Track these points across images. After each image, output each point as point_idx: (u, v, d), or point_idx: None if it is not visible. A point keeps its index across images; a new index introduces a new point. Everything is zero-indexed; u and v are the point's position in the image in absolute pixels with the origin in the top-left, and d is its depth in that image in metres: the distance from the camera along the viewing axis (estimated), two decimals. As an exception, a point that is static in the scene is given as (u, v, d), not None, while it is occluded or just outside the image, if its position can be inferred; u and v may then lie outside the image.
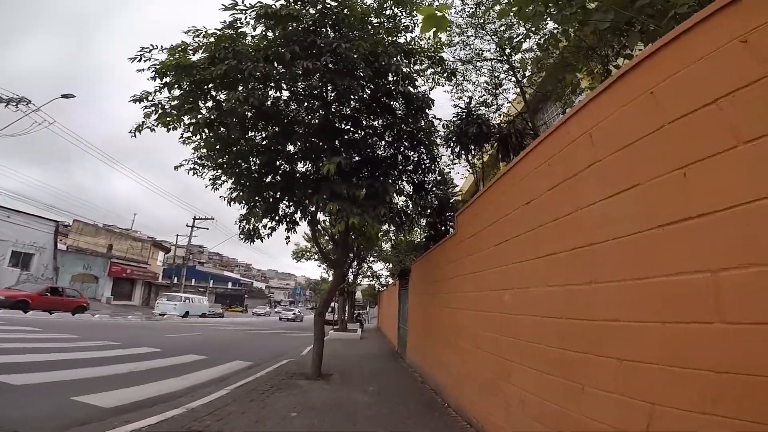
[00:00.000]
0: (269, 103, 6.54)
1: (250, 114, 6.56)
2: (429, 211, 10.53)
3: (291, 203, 7.37)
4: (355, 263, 26.02)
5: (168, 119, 6.13)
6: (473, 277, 4.52)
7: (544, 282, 2.73)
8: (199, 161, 7.42)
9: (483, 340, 3.92)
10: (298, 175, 7.36)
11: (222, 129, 6.53)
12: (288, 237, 8.15)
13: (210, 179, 7.55)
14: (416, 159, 8.24)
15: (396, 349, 12.85)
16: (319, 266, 28.29)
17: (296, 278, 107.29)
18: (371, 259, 27.83)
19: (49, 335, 9.58)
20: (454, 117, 9.99)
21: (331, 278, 25.31)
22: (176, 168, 7.51)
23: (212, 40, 5.68)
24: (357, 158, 7.00)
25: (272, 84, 6.50)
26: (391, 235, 23.66)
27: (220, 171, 7.35)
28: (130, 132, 6.37)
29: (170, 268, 45.73)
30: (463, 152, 9.82)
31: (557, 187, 2.69)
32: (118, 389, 5.03)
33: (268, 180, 7.15)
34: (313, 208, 7.07)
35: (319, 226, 8.01)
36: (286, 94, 7.02)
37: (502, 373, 3.32)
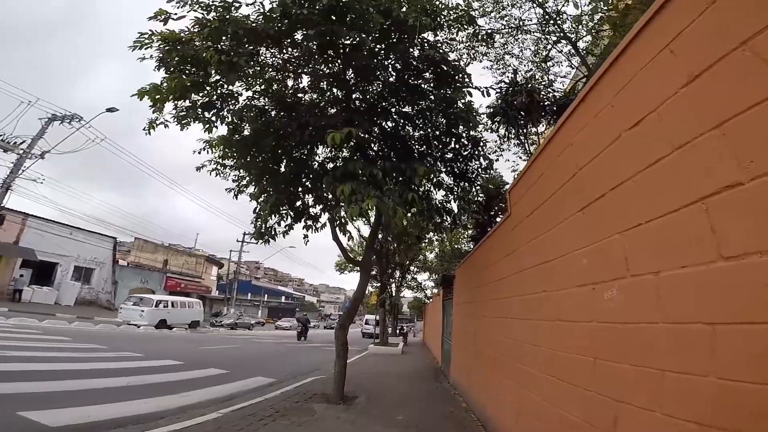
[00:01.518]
0: (289, 92, 5.75)
1: (269, 107, 5.79)
2: (474, 206, 9.12)
3: (304, 192, 6.35)
4: (398, 273, 24.79)
5: (158, 97, 5.33)
6: (538, 272, 3.13)
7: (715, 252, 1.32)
8: (219, 161, 6.71)
9: (563, 364, 2.48)
10: (312, 162, 6.35)
11: (237, 120, 5.83)
12: (306, 236, 7.15)
13: (234, 180, 6.80)
14: (455, 145, 6.86)
15: (439, 365, 11.31)
16: (362, 277, 27.21)
17: (346, 292, 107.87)
18: (414, 269, 26.46)
19: (75, 345, 9.30)
20: (497, 94, 8.60)
21: (374, 289, 24.22)
22: (198, 169, 6.82)
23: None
24: (377, 131, 5.83)
25: (290, 72, 5.72)
26: (434, 239, 22.26)
27: (232, 161, 6.56)
28: (143, 129, 5.76)
29: (225, 283, 47.17)
30: (511, 129, 8.37)
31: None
32: (88, 405, 4.29)
33: (277, 167, 6.20)
34: (329, 195, 6.00)
35: (340, 220, 6.90)
36: (305, 80, 6.17)
37: (600, 418, 1.90)
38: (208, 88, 5.52)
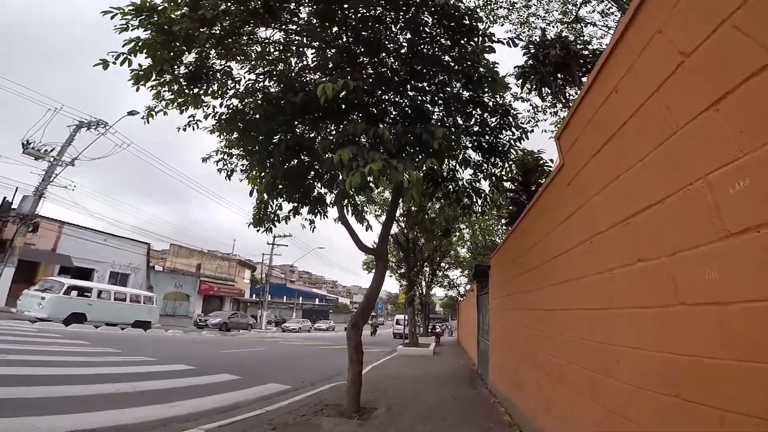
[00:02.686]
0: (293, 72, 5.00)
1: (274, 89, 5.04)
2: (509, 185, 7.92)
3: (303, 169, 5.50)
4: (427, 270, 23.66)
5: (140, 74, 4.66)
6: (620, 236, 2.05)
7: None
8: (225, 150, 6.02)
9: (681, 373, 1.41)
10: (310, 134, 5.49)
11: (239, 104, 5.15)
12: (312, 222, 6.30)
13: (242, 170, 6.09)
14: (480, 115, 5.93)
15: (475, 367, 10.14)
16: (390, 276, 26.28)
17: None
18: (445, 266, 25.23)
19: (88, 349, 8.94)
20: (525, 54, 7.43)
21: (401, 287, 23.18)
22: (204, 160, 6.14)
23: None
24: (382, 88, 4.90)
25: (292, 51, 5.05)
26: (464, 232, 20.93)
27: (237, 148, 5.84)
28: (142, 118, 5.31)
29: (259, 287, 47.71)
30: (546, 91, 7.18)
31: None
32: (51, 415, 3.68)
33: (273, 142, 5.38)
34: (325, 171, 5.10)
35: (348, 200, 5.98)
36: (310, 58, 5.40)
37: None
38: (189, 58, 4.82)
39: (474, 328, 11.39)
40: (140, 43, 4.08)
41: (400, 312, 30.79)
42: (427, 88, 5.64)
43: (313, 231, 6.55)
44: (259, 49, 5.46)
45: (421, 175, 3.97)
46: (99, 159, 20.44)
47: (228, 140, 5.85)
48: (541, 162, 7.47)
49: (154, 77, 4.66)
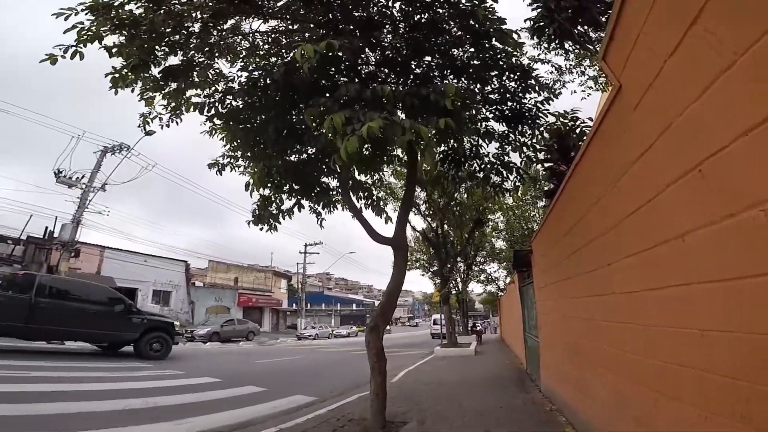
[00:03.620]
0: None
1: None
2: (542, 155, 6.95)
3: (294, 151, 4.88)
4: (461, 265, 22.53)
5: (116, 76, 4.27)
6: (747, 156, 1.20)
7: None
8: (231, 153, 5.53)
9: None
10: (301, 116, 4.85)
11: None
12: (320, 214, 5.65)
13: (248, 172, 5.58)
14: (498, 79, 5.24)
15: (524, 367, 9.10)
16: (423, 275, 25.37)
17: (413, 294, 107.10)
18: (481, 260, 23.96)
19: (120, 364, 8.73)
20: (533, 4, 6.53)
21: (435, 285, 22.12)
22: (210, 167, 5.66)
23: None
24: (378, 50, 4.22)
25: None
26: (498, 222, 19.65)
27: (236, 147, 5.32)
28: (138, 126, 5.04)
29: (297, 296, 48.04)
30: (566, 42, 6.25)
31: None
32: None
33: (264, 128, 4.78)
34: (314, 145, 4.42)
35: (355, 185, 5.27)
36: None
37: None
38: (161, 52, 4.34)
39: (518, 323, 10.34)
40: (89, 33, 3.60)
41: (437, 311, 29.72)
42: (433, 63, 4.93)
43: (321, 225, 5.88)
44: (247, 44, 4.96)
45: (433, 132, 3.18)
46: (128, 182, 21.06)
47: (226, 138, 5.32)
48: (578, 122, 6.45)
49: (130, 77, 4.24)
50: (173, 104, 4.81)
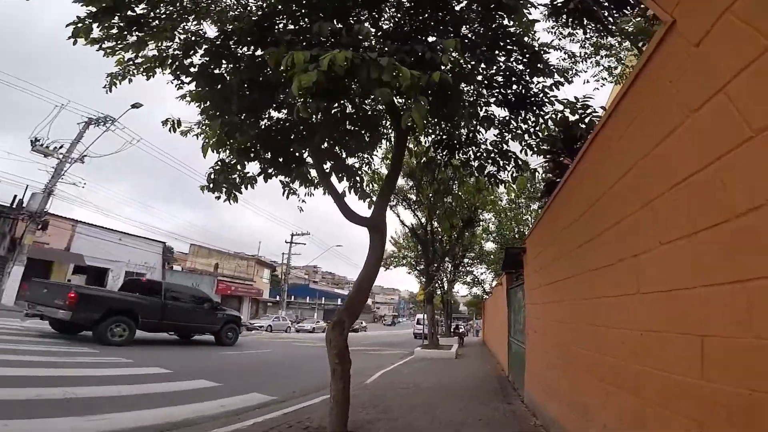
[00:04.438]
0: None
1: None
2: (545, 145, 6.36)
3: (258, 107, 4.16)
4: (449, 265, 21.98)
5: (77, 26, 3.56)
6: None
7: None
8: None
9: None
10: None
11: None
12: (294, 191, 4.95)
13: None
14: (505, 60, 4.74)
15: (505, 374, 8.54)
16: (409, 273, 24.78)
17: (400, 292, 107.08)
18: (468, 261, 23.46)
19: (68, 349, 7.95)
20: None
21: (420, 283, 21.47)
22: (164, 123, 4.86)
23: None
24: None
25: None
26: (489, 224, 19.12)
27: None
28: (103, 87, 4.26)
29: (277, 288, 47.19)
30: (590, 25, 5.72)
31: None
32: None
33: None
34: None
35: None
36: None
37: None
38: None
39: (503, 327, 9.76)
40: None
41: (422, 311, 29.27)
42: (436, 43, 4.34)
43: (300, 209, 5.23)
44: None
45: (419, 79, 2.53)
46: (109, 156, 20.00)
47: (194, 98, 4.55)
48: (589, 111, 5.85)
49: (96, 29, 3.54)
50: (138, 60, 4.10)
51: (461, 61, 4.06)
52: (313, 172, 5.17)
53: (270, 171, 4.59)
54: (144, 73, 4.23)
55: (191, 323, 11.84)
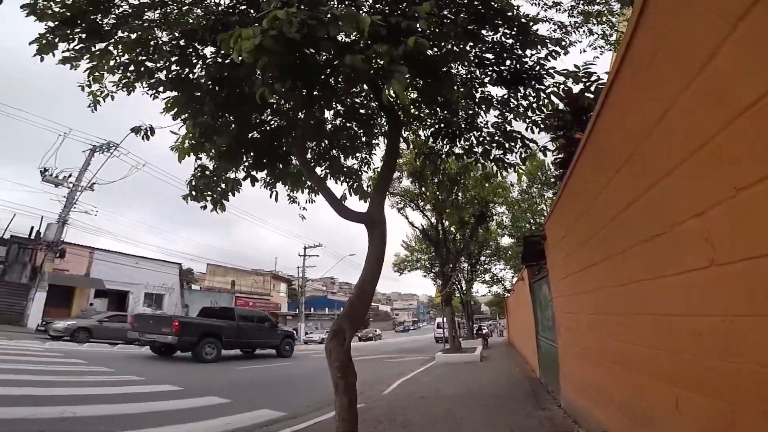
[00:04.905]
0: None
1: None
2: (550, 121, 5.89)
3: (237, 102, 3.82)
4: (466, 265, 21.32)
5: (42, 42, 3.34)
6: None
7: None
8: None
9: None
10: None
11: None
12: (294, 199, 4.58)
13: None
14: (492, 35, 4.41)
15: (536, 375, 7.92)
16: (425, 276, 24.13)
17: (418, 297, 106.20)
18: (485, 259, 22.71)
19: (81, 368, 7.88)
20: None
21: (437, 285, 20.77)
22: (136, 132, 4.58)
23: None
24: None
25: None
26: (504, 219, 18.42)
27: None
28: (88, 106, 4.10)
29: (295, 301, 46.96)
30: None
31: None
32: None
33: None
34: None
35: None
36: None
37: None
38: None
39: (529, 325, 9.14)
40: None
41: (441, 315, 28.60)
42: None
43: (302, 217, 4.83)
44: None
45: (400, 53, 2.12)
46: (115, 182, 20.15)
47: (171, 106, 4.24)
48: (593, 79, 5.31)
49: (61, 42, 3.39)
50: (111, 75, 3.84)
51: (443, 38, 3.64)
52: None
53: (254, 173, 4.21)
54: (124, 89, 4.00)
55: (258, 340, 13.94)
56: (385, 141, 6.39)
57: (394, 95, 2.66)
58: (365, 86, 4.33)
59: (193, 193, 4.04)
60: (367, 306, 3.53)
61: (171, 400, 5.62)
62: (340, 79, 4.08)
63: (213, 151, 4.05)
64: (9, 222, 19.01)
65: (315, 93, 3.55)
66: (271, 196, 4.65)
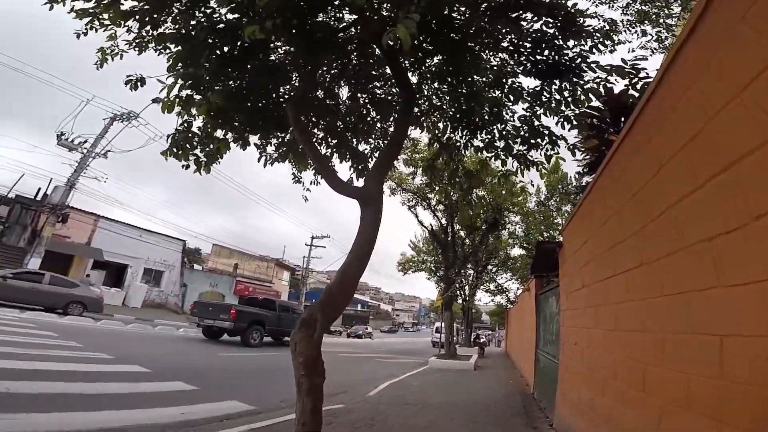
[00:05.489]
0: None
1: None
2: (584, 119, 5.37)
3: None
4: (471, 272, 20.71)
5: None
6: None
7: None
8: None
9: None
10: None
11: None
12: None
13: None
14: (531, 21, 3.99)
15: (530, 390, 7.36)
16: (429, 278, 23.60)
17: (421, 300, 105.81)
18: (493, 268, 22.07)
19: (53, 342, 7.49)
20: None
21: (439, 288, 20.19)
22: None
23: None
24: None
25: None
26: (516, 228, 17.75)
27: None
28: (95, 64, 3.91)
29: (298, 291, 46.73)
30: None
31: None
32: None
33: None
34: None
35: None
36: None
37: None
38: None
39: (529, 337, 8.57)
40: None
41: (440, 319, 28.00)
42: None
43: (305, 198, 4.42)
44: None
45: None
46: (130, 152, 20.02)
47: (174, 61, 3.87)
48: (641, 76, 4.73)
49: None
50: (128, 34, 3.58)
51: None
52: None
53: (246, 135, 3.78)
54: (135, 48, 3.73)
55: (290, 328, 14.01)
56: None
57: (396, 41, 2.19)
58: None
59: (175, 149, 3.61)
60: (349, 295, 3.05)
61: (134, 382, 5.24)
62: (342, 37, 3.64)
63: (204, 107, 3.63)
64: (16, 181, 18.92)
65: (313, 43, 3.10)
66: (259, 161, 4.22)
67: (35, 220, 19.02)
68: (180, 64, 3.44)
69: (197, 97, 3.50)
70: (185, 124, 3.71)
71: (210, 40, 3.22)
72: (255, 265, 41.37)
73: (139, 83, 3.69)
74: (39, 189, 19.72)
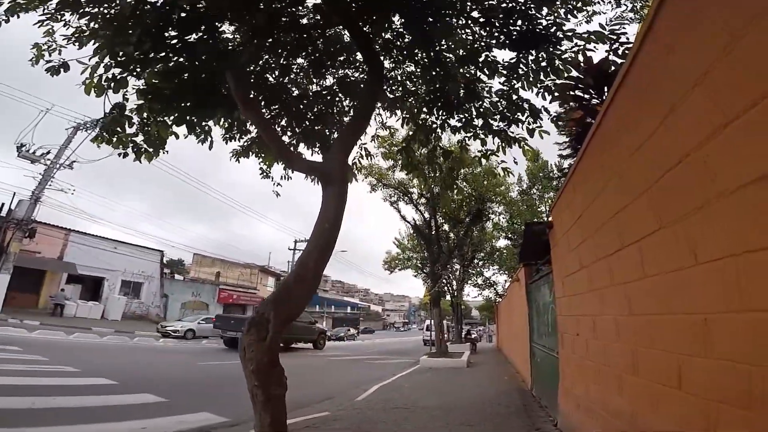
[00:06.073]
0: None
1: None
2: (567, 91, 5.05)
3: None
4: (458, 266, 20.49)
5: None
6: None
7: None
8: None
9: None
10: None
11: None
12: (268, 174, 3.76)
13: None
14: None
15: (527, 386, 7.07)
16: (415, 275, 23.25)
17: (410, 299, 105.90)
18: (479, 261, 21.92)
19: (13, 356, 7.03)
20: None
21: (426, 285, 19.81)
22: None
23: None
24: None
25: None
26: (501, 219, 17.60)
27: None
28: (29, 60, 3.59)
29: (284, 295, 45.98)
30: None
31: None
32: None
33: None
34: None
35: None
36: None
37: None
38: None
39: (522, 331, 8.29)
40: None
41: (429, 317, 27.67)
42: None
43: (276, 194, 4.01)
44: None
45: None
46: (96, 161, 19.01)
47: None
48: (621, 41, 4.46)
49: None
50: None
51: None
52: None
53: (189, 117, 3.34)
54: (75, 43, 3.30)
55: (305, 336, 17.04)
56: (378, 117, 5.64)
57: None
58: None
59: (105, 134, 3.14)
60: (308, 291, 2.64)
61: (99, 396, 4.82)
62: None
63: (141, 87, 3.17)
64: (-23, 197, 17.79)
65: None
66: (204, 143, 3.76)
67: (2, 236, 17.94)
68: (105, 43, 3.00)
69: (131, 78, 3.06)
70: (117, 107, 3.25)
71: (138, 13, 2.79)
72: (238, 273, 40.43)
73: (62, 69, 3.23)
74: (2, 204, 18.61)
